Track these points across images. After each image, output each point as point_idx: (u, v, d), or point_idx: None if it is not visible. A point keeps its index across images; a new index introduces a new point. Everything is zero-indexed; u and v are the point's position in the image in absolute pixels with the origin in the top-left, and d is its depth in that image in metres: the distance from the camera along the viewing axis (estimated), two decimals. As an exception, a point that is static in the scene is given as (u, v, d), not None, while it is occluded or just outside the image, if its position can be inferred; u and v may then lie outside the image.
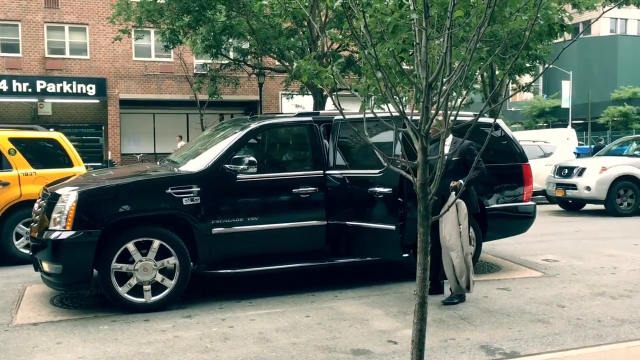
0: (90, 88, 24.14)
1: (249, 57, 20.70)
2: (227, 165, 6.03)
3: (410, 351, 3.27)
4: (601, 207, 13.29)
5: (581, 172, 13.18)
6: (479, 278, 6.94)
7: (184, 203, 5.79)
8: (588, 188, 12.92)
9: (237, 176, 6.03)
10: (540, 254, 8.28)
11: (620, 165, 13.36)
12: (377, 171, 6.02)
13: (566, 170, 13.57)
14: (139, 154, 24.92)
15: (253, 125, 6.51)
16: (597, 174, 12.98)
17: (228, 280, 6.39)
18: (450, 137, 5.72)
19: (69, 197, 5.57)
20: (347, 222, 6.37)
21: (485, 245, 7.39)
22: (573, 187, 13.18)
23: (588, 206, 13.89)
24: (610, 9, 4.80)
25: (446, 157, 5.34)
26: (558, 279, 6.88)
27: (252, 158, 6.03)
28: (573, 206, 14.02)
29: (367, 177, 6.27)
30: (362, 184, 6.30)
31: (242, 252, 6.14)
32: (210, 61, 21.46)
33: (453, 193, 5.55)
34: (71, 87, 23.82)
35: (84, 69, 24.33)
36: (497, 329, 5.09)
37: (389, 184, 5.96)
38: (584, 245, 9.10)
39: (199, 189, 5.85)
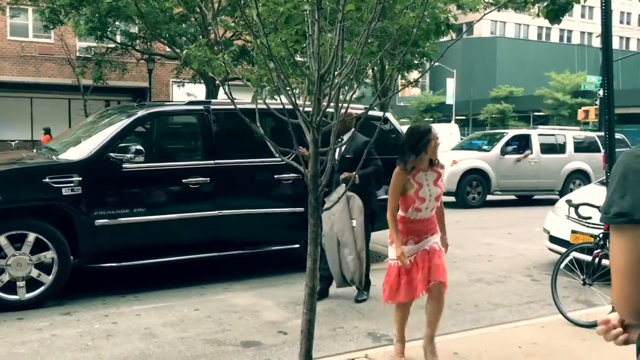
0: (-41, 67, 22.15)
1: (137, 41, 19.83)
2: (111, 154, 5.74)
3: (299, 341, 3.29)
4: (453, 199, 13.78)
5: None
6: (368, 267, 7.14)
7: (64, 193, 5.45)
8: None
9: (123, 165, 5.76)
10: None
11: (470, 159, 14.20)
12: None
13: None
14: (14, 140, 23.17)
15: (141, 113, 6.25)
16: (447, 167, 13.65)
17: (113, 274, 6.11)
18: (351, 131, 5.53)
19: None
20: (241, 211, 6.29)
21: (375, 235, 7.61)
22: None
23: (445, 198, 14.55)
24: (490, 11, 5.07)
25: (336, 150, 5.37)
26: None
27: (139, 147, 5.78)
28: None
29: (263, 165, 6.27)
30: (255, 173, 6.27)
31: (128, 245, 5.88)
32: (95, 44, 20.32)
33: (343, 185, 5.45)
34: None
35: (-49, 46, 22.27)
36: (384, 316, 5.25)
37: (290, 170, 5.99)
38: (464, 234, 9.63)
39: (80, 178, 5.53)
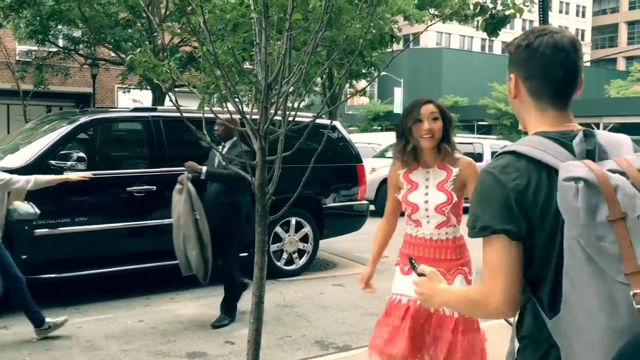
0: None
1: (80, 46, 19.31)
2: (52, 161, 5.56)
3: (246, 351, 3.25)
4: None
5: None
6: (317, 275, 7.16)
7: (1, 202, 5.23)
8: None
9: (64, 173, 5.58)
10: (372, 250, 8.74)
11: (388, 167, 14.24)
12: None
13: None
14: (-52, 146, 22.13)
15: (83, 119, 6.08)
16: (367, 174, 13.65)
17: (52, 286, 5.89)
18: (233, 139, 5.23)
19: None
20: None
21: (322, 242, 7.64)
22: None
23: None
24: (434, 22, 5.20)
25: (215, 158, 5.08)
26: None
27: (81, 154, 5.63)
28: None
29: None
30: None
31: (69, 255, 5.70)
32: (35, 48, 19.67)
33: (187, 173, 5.06)
34: None
35: None
36: (332, 324, 5.27)
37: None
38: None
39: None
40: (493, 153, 15.75)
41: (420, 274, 1.72)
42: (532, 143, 1.44)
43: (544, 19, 5.25)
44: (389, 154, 16.17)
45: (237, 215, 5.26)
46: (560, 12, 65.09)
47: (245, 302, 5.83)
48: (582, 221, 1.28)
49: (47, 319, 4.79)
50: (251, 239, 3.25)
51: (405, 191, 2.90)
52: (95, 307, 5.65)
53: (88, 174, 5.09)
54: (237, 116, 5.18)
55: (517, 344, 1.53)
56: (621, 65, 63.79)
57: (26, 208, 4.81)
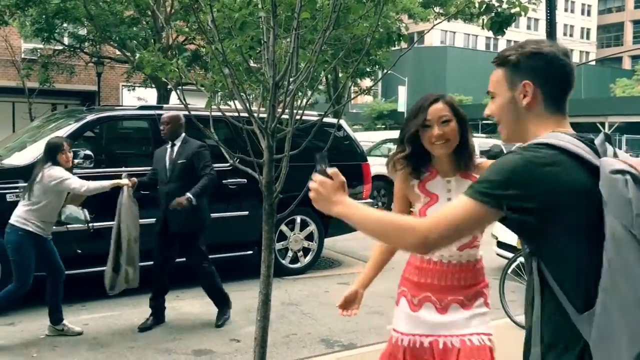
0: None
1: (86, 44, 19.37)
2: (59, 159, 5.58)
3: (252, 349, 3.27)
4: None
5: None
6: (322, 274, 7.18)
7: (8, 199, 5.27)
8: None
9: (72, 171, 5.61)
10: (377, 249, 8.74)
11: (375, 165, 13.72)
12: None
13: None
14: (-46, 144, 22.21)
15: (90, 117, 6.11)
16: None
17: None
18: (182, 135, 5.19)
19: None
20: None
21: (327, 241, 7.65)
22: None
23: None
24: (440, 21, 5.19)
25: (166, 157, 5.04)
26: (393, 273, 7.25)
27: (88, 152, 5.66)
28: None
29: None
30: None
31: (75, 252, 5.72)
32: (41, 46, 19.72)
33: (126, 189, 5.00)
34: None
35: None
36: (337, 322, 5.28)
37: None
38: None
39: (25, 184, 5.35)
40: (482, 152, 15.74)
41: (323, 173, 1.65)
42: (562, 138, 1.46)
43: (550, 17, 5.24)
44: (377, 151, 15.88)
45: (201, 214, 5.17)
46: (566, 10, 64.88)
47: (251, 300, 5.86)
48: (636, 210, 1.33)
49: (65, 322, 4.84)
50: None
51: (422, 205, 2.37)
52: (102, 304, 5.67)
53: (135, 180, 5.08)
54: (182, 113, 5.00)
55: (537, 348, 1.49)
56: (627, 64, 63.56)
57: (76, 213, 4.86)
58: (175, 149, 5.16)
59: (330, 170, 1.66)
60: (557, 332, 1.45)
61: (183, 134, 5.21)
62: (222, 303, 5.29)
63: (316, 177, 1.67)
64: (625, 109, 34.93)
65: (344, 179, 1.67)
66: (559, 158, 1.42)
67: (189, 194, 4.91)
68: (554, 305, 1.45)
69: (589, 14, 69.27)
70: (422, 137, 2.33)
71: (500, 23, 4.20)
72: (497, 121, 1.66)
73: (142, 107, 6.83)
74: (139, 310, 5.52)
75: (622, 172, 1.36)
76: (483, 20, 4.32)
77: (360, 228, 1.63)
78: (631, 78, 49.44)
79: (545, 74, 1.54)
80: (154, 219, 5.34)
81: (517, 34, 59.24)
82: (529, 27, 61.75)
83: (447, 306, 2.35)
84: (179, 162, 5.11)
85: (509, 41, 58.64)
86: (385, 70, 18.15)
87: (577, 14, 67.83)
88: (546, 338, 1.47)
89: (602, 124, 31.09)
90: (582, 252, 1.41)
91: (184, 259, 5.36)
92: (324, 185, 1.66)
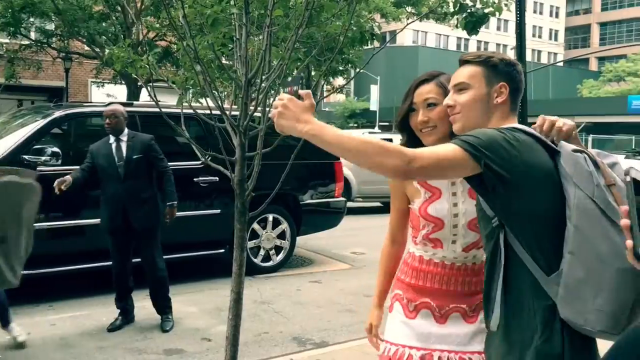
0: None
1: (54, 39, 18.99)
2: (25, 156, 5.47)
3: (224, 348, 3.25)
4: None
5: None
6: (294, 272, 7.18)
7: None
8: None
9: (38, 168, 5.50)
10: (349, 247, 8.78)
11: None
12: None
13: None
14: None
15: (57, 114, 6.00)
16: None
17: (26, 282, 5.79)
18: (126, 130, 5.06)
19: None
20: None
21: (299, 239, 7.64)
22: None
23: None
24: (413, 21, 5.22)
25: (114, 155, 4.94)
26: (365, 270, 7.35)
27: (55, 149, 5.56)
28: None
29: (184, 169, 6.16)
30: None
31: (43, 251, 5.60)
32: (7, 41, 19.28)
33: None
34: None
35: None
36: (309, 320, 5.29)
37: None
38: (345, 241, 9.67)
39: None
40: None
41: (294, 94, 1.58)
42: (526, 127, 1.72)
43: (520, 18, 5.33)
44: None
45: (158, 208, 5.11)
46: (535, 12, 65.95)
47: (223, 298, 5.82)
48: (596, 181, 1.56)
49: (13, 324, 4.58)
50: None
51: (422, 201, 2.07)
52: (69, 303, 5.58)
53: (68, 179, 4.80)
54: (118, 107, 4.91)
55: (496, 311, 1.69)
56: (593, 65, 64.94)
57: None
58: (124, 144, 4.99)
59: (303, 92, 1.59)
60: (520, 298, 1.65)
61: (126, 128, 5.07)
62: (166, 308, 5.15)
63: (284, 95, 1.58)
64: (592, 110, 35.73)
65: (314, 102, 1.66)
66: (531, 141, 1.65)
67: (173, 202, 5.06)
68: (517, 273, 1.65)
69: (557, 15, 70.56)
70: (411, 123, 2.09)
71: (474, 22, 4.26)
72: (456, 112, 1.80)
73: (111, 104, 6.71)
74: (108, 310, 5.44)
75: (580, 151, 1.62)
76: (457, 19, 4.37)
77: (335, 147, 1.57)
78: (597, 79, 50.52)
79: (516, 81, 1.82)
80: (98, 219, 5.19)
81: (487, 34, 60.08)
82: (498, 28, 62.61)
83: (447, 315, 2.05)
84: (134, 157, 4.97)
85: (479, 42, 59.43)
86: (357, 69, 18.20)
87: (545, 15, 69.04)
88: (509, 306, 1.67)
89: (570, 124, 31.67)
90: (548, 222, 1.61)
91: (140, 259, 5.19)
92: (293, 102, 1.60)
